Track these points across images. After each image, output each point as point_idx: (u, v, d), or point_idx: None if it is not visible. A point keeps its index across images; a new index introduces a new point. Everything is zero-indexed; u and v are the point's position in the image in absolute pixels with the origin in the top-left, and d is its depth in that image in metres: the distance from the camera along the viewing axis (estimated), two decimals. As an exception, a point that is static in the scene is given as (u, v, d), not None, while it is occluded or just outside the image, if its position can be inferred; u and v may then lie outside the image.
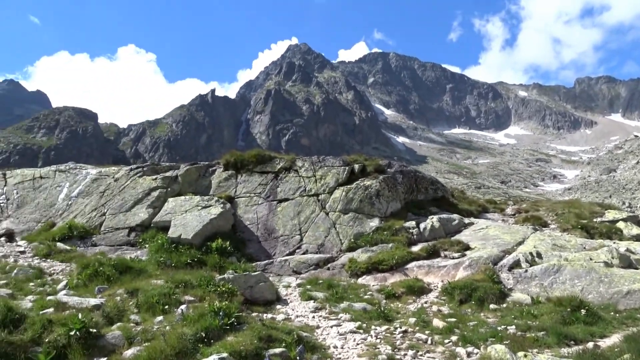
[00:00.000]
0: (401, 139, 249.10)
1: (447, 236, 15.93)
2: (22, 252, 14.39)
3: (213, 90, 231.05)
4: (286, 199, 17.08)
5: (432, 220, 16.46)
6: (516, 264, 13.09)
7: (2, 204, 18.82)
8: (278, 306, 10.42)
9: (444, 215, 17.30)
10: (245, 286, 10.34)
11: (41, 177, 20.03)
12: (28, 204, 18.71)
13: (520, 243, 14.82)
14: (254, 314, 9.20)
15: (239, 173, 18.56)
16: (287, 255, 15.06)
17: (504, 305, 11.07)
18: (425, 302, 11.24)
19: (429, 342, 8.40)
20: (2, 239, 16.13)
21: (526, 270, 12.61)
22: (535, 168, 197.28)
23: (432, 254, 14.38)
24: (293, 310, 10.21)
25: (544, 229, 18.40)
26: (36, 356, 6.53)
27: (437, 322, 9.45)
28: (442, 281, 12.68)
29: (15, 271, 11.29)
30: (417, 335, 8.71)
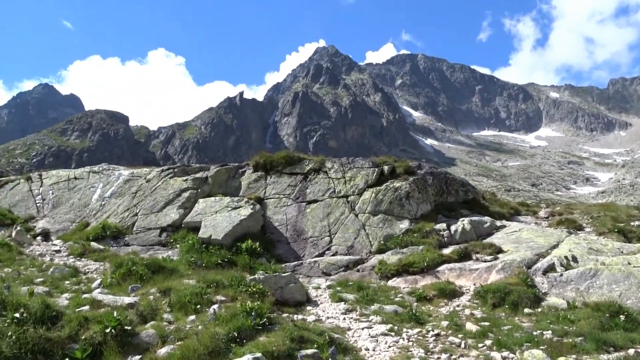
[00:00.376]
0: (429, 141, 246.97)
1: (478, 239, 15.66)
2: (58, 251, 14.72)
3: (241, 93, 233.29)
4: (315, 201, 17.07)
5: (463, 223, 16.22)
6: (551, 268, 12.77)
7: (38, 204, 19.31)
8: (308, 307, 10.39)
9: (475, 218, 17.03)
10: (275, 287, 10.34)
11: (75, 178, 20.49)
12: (63, 204, 19.15)
13: (554, 246, 14.45)
14: (285, 315, 9.19)
15: (268, 174, 18.64)
16: (317, 256, 15.03)
17: (539, 309, 10.80)
18: (458, 306, 11.05)
19: (463, 345, 8.24)
20: (39, 238, 16.53)
21: (561, 274, 12.28)
22: (568, 171, 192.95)
23: (464, 256, 14.16)
24: (324, 311, 10.16)
25: (579, 232, 17.94)
26: (73, 353, 6.64)
27: (470, 326, 9.28)
28: (474, 284, 12.46)
29: (51, 270, 11.55)
30: (450, 338, 8.56)
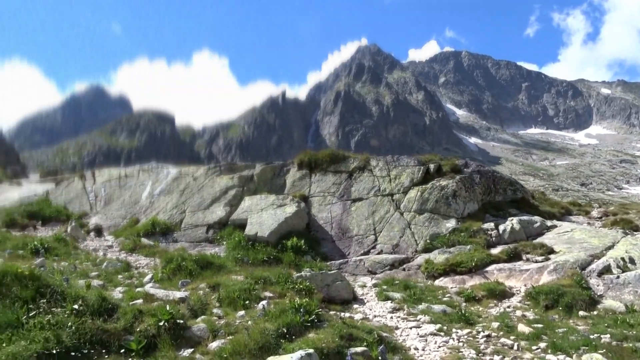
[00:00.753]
0: (473, 140, 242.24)
1: (528, 239, 15.21)
2: (110, 247, 15.21)
3: (284, 93, 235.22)
4: (360, 199, 16.99)
5: (512, 222, 15.79)
6: (606, 270, 12.26)
7: (91, 201, 20.03)
8: (355, 305, 10.34)
9: (525, 217, 16.55)
10: (322, 284, 10.34)
11: (126, 176, 21.13)
12: (114, 201, 19.78)
13: (609, 247, 13.87)
14: (332, 313, 9.17)
15: (312, 172, 18.68)
16: (362, 255, 14.96)
17: (595, 312, 10.39)
18: (508, 307, 10.76)
19: (515, 347, 8.00)
20: (92, 233, 17.13)
21: (618, 277, 11.78)
22: (619, 170, 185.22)
23: (513, 256, 13.79)
24: (370, 310, 10.09)
25: (635, 233, 17.15)
26: (128, 344, 6.82)
27: (523, 328, 9.01)
28: (525, 285, 12.11)
29: (105, 264, 11.95)
30: (502, 340, 8.33)
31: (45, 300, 7.22)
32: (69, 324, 6.72)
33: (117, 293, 9.03)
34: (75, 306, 7.12)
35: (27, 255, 11.72)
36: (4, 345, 6.18)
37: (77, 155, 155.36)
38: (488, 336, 8.52)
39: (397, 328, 8.88)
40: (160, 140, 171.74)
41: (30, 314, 6.86)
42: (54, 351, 6.26)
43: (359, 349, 6.92)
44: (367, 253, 15.04)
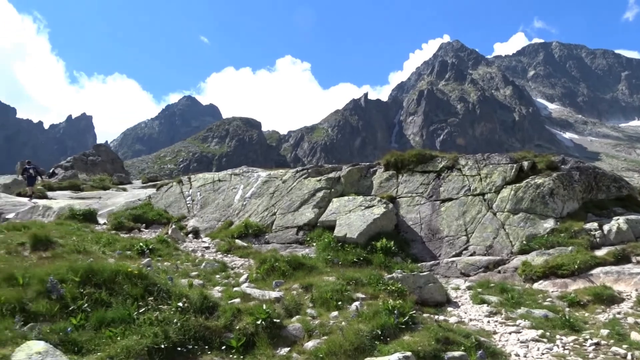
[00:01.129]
0: (568, 135, 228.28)
1: (637, 240, 14.04)
2: (207, 248, 15.95)
3: (366, 94, 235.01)
4: (450, 199, 16.56)
5: (619, 222, 14.65)
6: None
7: (188, 205, 21.12)
8: (449, 308, 10.09)
9: (633, 217, 15.28)
10: (414, 286, 10.19)
11: (219, 180, 22.07)
12: (209, 205, 20.73)
13: None
14: (426, 315, 9.01)
15: (399, 173, 18.48)
16: (453, 256, 14.56)
17: None
18: (618, 313, 9.98)
19: (629, 357, 7.42)
20: (190, 235, 18.06)
21: None
22: None
23: (621, 259, 12.78)
24: (465, 313, 9.79)
25: None
26: (229, 341, 7.11)
27: (636, 336, 8.32)
28: (636, 290, 11.18)
29: (203, 264, 12.54)
30: (613, 349, 7.74)
31: (152, 298, 7.72)
32: (175, 320, 7.13)
33: (216, 292, 9.43)
34: (180, 304, 7.54)
35: (134, 256, 12.57)
36: (119, 338, 6.68)
37: (173, 162, 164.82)
38: (597, 344, 7.97)
39: (495, 333, 8.55)
40: (249, 145, 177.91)
41: (140, 311, 7.36)
42: (162, 346, 6.67)
43: (457, 354, 6.75)
44: (458, 255, 14.62)
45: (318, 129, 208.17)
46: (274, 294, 9.09)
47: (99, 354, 6.27)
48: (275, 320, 7.52)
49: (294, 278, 10.77)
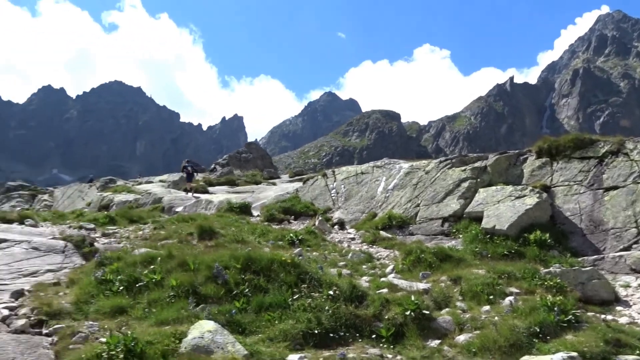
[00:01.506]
0: None
1: None
2: (352, 239, 16.31)
3: (511, 78, 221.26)
4: (615, 187, 14.92)
5: None
6: None
7: (333, 197, 21.79)
8: (618, 307, 9.12)
9: None
10: (575, 282, 9.39)
11: (362, 173, 22.41)
12: (353, 197, 21.16)
13: None
14: (590, 314, 8.25)
15: (554, 160, 17.09)
16: (621, 250, 13.09)
17: None
18: None
19: None
20: (336, 227, 18.60)
21: None
22: None
23: None
24: (638, 314, 8.78)
25: None
26: (379, 330, 7.22)
27: None
28: None
29: (350, 255, 12.86)
30: None
31: (305, 286, 8.12)
32: (326, 307, 7.43)
33: (363, 282, 9.61)
34: (330, 292, 7.83)
35: (285, 246, 13.32)
36: (276, 322, 7.15)
37: (316, 156, 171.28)
38: None
39: (677, 337, 7.54)
40: (388, 137, 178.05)
41: (294, 297, 7.79)
42: (316, 331, 6.99)
43: (630, 357, 6.09)
44: (627, 249, 13.10)
45: (460, 117, 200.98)
46: (422, 286, 9.01)
47: (260, 335, 6.78)
48: (424, 311, 7.46)
49: (441, 270, 10.58)
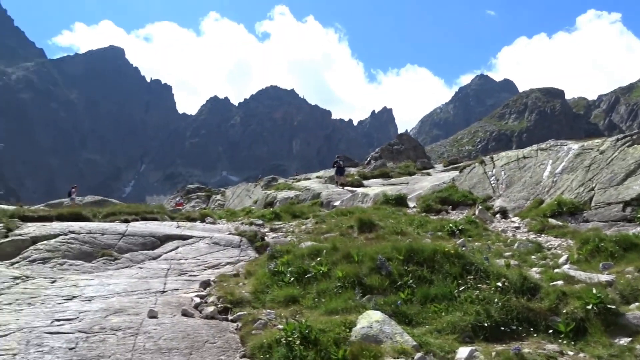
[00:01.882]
0: None
1: None
2: (517, 228, 15.36)
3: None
4: None
5: None
6: None
7: (492, 185, 20.75)
8: None
9: None
10: None
11: (524, 157, 20.98)
12: (515, 183, 19.91)
13: None
14: None
15: None
16: None
17: None
18: None
19: None
20: (497, 215, 17.68)
21: None
22: None
23: None
24: None
25: None
26: (556, 325, 6.71)
27: None
28: None
29: (516, 244, 12.13)
30: None
31: (471, 277, 7.86)
32: (495, 300, 7.11)
33: (534, 273, 9.01)
34: (499, 284, 7.47)
35: (445, 236, 13.04)
36: (443, 314, 7.04)
37: (470, 143, 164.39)
38: None
39: None
40: (551, 116, 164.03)
41: (460, 289, 7.59)
42: (485, 324, 6.73)
43: None
44: None
45: (638, 87, 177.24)
46: (604, 278, 8.16)
47: (427, 326, 6.73)
48: (609, 306, 6.74)
49: (625, 260, 9.49)
